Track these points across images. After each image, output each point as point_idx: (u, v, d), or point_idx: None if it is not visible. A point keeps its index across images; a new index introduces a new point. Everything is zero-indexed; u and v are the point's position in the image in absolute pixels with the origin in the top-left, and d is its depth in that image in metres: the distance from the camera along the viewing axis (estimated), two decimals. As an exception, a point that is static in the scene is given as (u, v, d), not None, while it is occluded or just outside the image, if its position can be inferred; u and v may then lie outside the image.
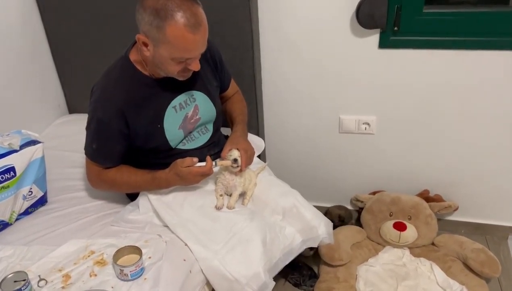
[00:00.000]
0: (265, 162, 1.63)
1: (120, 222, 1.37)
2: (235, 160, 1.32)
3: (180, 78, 1.27)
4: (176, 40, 1.15)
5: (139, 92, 1.29)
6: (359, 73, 1.77)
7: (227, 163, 1.33)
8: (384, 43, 1.67)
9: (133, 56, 1.30)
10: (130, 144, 1.33)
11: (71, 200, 1.50)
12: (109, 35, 1.85)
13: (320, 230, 1.40)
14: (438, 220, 1.92)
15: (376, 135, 1.89)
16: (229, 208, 1.35)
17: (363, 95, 1.81)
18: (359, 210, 2.06)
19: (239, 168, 1.34)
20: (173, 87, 1.33)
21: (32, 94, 1.91)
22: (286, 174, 2.05)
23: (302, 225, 1.40)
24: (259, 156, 1.73)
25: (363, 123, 1.87)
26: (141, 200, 1.40)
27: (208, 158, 1.30)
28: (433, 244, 1.89)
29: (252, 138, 1.69)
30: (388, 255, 1.86)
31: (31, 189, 1.40)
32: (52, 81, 2.02)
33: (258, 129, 1.89)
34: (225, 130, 1.62)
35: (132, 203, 1.44)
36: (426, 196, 1.94)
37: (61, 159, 1.71)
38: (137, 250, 1.18)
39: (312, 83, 1.84)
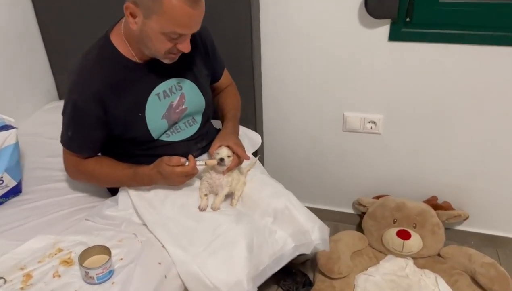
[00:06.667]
0: (257, 156, 1.50)
1: (96, 218, 1.27)
2: (221, 160, 1.21)
3: (166, 61, 1.16)
4: (173, 11, 1.04)
5: (119, 76, 1.18)
6: (366, 68, 1.64)
7: (213, 162, 1.22)
8: (394, 35, 1.54)
9: (114, 36, 1.19)
10: (109, 132, 1.22)
11: (48, 191, 1.40)
12: (101, 19, 1.71)
13: (314, 235, 1.28)
14: (446, 229, 1.79)
15: (382, 136, 1.77)
16: (213, 209, 1.24)
17: (370, 91, 1.69)
18: (361, 215, 1.94)
19: (225, 167, 1.23)
20: (158, 72, 1.22)
21: (21, 79, 1.82)
22: (284, 173, 1.99)
23: (294, 229, 1.29)
24: (255, 152, 1.62)
25: (369, 122, 1.75)
26: (121, 195, 1.29)
27: (191, 157, 1.19)
28: (439, 255, 1.76)
29: (248, 133, 1.60)
30: (390, 265, 1.74)
31: (2, 177, 1.29)
32: (42, 66, 1.93)
33: (255, 124, 1.78)
34: (216, 124, 1.50)
35: (111, 198, 1.33)
36: (434, 203, 1.82)
37: (43, 146, 1.61)
38: (106, 251, 1.07)
39: (315, 77, 1.72)
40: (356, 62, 1.64)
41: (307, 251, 1.30)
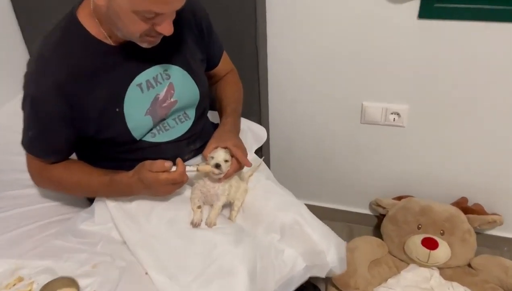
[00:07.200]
0: (262, 157, 1.28)
1: (67, 235, 1.05)
2: (217, 165, 0.98)
3: (144, 45, 0.93)
4: None
5: (88, 62, 0.95)
6: (391, 49, 1.41)
7: (206, 167, 0.99)
8: (426, 12, 1.31)
9: (82, 14, 0.95)
10: (80, 133, 1.00)
11: (16, 199, 1.19)
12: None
13: (330, 256, 1.07)
14: (476, 234, 1.57)
15: (406, 129, 1.55)
16: (208, 225, 1.02)
17: (394, 78, 1.46)
18: (379, 216, 1.74)
19: (222, 174, 1.00)
20: (139, 58, 0.99)
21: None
22: (293, 170, 1.79)
23: (306, 248, 1.08)
24: (259, 149, 1.39)
25: (392, 113, 1.52)
26: (97, 206, 1.08)
27: (179, 160, 0.97)
28: (469, 265, 1.55)
29: (252, 126, 1.40)
30: (412, 275, 1.54)
31: (-44, 184, 1.09)
32: (16, 49, 1.71)
33: (260, 116, 1.57)
34: (214, 117, 1.28)
35: (88, 209, 1.12)
36: (463, 206, 1.60)
37: (13, 142, 1.36)
38: (73, 284, 0.87)
39: (330, 60, 1.49)
40: (379, 43, 1.40)
41: (321, 274, 1.09)
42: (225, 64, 1.25)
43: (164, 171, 0.95)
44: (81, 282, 0.89)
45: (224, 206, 1.09)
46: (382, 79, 1.47)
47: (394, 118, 1.53)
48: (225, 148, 1.02)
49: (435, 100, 1.46)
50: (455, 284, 1.49)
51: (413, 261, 1.56)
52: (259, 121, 1.54)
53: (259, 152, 1.47)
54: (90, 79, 0.94)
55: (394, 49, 1.40)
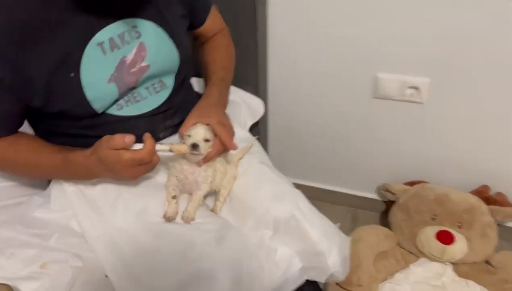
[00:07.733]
0: (256, 135, 1.10)
1: (16, 224, 0.88)
2: (195, 146, 0.79)
3: None
4: None
5: (33, 16, 0.74)
6: (410, 12, 1.20)
7: (182, 148, 0.81)
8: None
9: None
10: (25, 104, 0.80)
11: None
12: None
13: (331, 259, 0.89)
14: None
15: (426, 106, 1.36)
16: (184, 220, 0.84)
17: (414, 45, 1.26)
18: (388, 202, 1.58)
19: (201, 157, 0.82)
20: (100, 10, 0.79)
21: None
22: (293, 148, 1.63)
23: (302, 247, 0.90)
24: (255, 125, 1.22)
25: (410, 87, 1.33)
26: (54, 188, 0.90)
27: (147, 135, 0.78)
28: (487, 262, 1.39)
29: (247, 98, 1.23)
30: (422, 270, 1.40)
31: None
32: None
33: (257, 86, 1.39)
34: (200, 85, 1.09)
35: (44, 192, 0.94)
36: (485, 196, 1.42)
37: None
38: (9, 292, 0.70)
39: (340, 24, 1.29)
40: (397, 3, 1.20)
41: (320, 278, 0.92)
42: (214, 23, 1.04)
43: (125, 148, 0.76)
44: (24, 287, 0.72)
45: (207, 195, 0.91)
46: (400, 47, 1.27)
47: (411, 93, 1.34)
48: (207, 124, 0.84)
49: (461, 73, 1.25)
50: (470, 282, 1.34)
51: (425, 256, 1.40)
52: (256, 93, 1.35)
53: (255, 127, 1.29)
54: (35, 37, 0.74)
55: (416, 11, 1.19)
